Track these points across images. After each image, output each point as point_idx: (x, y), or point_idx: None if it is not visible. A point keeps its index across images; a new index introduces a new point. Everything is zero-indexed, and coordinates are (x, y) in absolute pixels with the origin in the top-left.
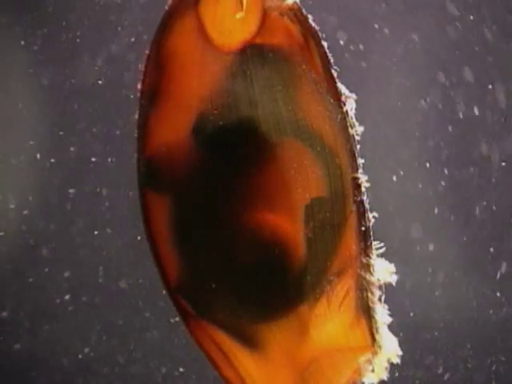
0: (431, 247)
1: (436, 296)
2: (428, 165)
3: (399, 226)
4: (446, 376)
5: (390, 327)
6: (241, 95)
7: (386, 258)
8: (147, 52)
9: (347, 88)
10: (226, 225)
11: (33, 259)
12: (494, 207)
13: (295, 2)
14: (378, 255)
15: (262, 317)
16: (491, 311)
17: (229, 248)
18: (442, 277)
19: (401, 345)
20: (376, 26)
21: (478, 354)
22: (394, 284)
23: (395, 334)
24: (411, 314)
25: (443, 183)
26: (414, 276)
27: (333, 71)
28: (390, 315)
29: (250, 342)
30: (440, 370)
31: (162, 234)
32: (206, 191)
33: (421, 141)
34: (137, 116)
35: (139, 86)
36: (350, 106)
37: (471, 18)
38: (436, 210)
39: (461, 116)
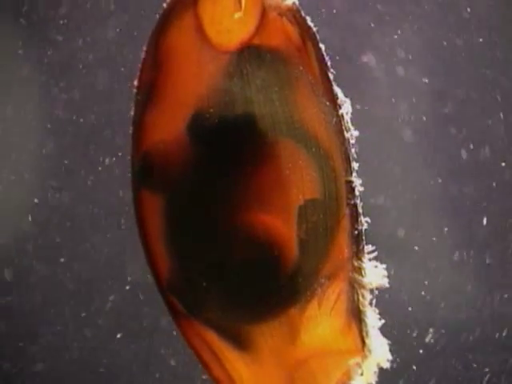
0: (430, 247)
1: (435, 295)
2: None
3: (396, 227)
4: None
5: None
6: (237, 94)
7: (381, 259)
8: (145, 49)
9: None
10: (219, 224)
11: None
12: (492, 207)
13: (294, 3)
14: (369, 259)
15: (253, 318)
16: (490, 309)
17: (221, 248)
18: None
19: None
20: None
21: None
22: (390, 285)
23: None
24: (410, 315)
25: (442, 182)
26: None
27: (329, 74)
28: (384, 316)
29: (240, 342)
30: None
31: (154, 232)
32: (200, 190)
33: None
34: (132, 113)
35: (135, 83)
36: (346, 110)
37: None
38: (435, 210)
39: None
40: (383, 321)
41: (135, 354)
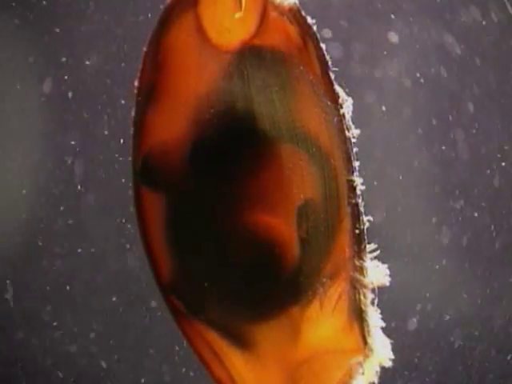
0: (430, 246)
1: (437, 295)
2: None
3: (398, 227)
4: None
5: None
6: (237, 95)
7: (385, 259)
8: (145, 49)
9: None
10: (221, 224)
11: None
12: (496, 209)
13: (295, 3)
14: (371, 258)
15: (254, 317)
16: (494, 312)
17: (222, 248)
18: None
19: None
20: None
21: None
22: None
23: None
24: (412, 314)
25: (442, 184)
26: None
27: (330, 73)
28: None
29: (241, 341)
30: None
31: (156, 232)
32: (201, 190)
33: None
34: (133, 113)
35: (136, 83)
36: (347, 109)
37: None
38: (435, 211)
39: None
40: (385, 319)
41: (135, 353)
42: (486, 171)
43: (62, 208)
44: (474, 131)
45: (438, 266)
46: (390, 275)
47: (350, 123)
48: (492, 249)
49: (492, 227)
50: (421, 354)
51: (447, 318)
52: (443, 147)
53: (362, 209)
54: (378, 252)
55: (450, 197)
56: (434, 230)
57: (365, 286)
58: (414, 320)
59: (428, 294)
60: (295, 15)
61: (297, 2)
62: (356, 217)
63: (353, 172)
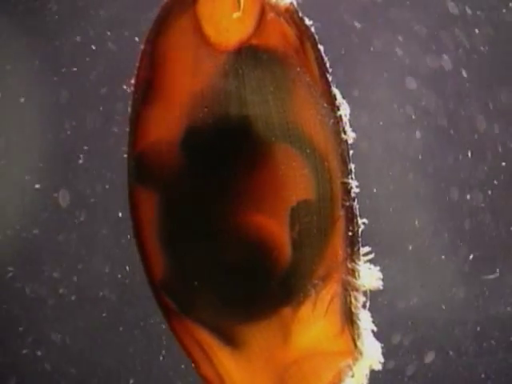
0: (428, 247)
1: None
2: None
3: (396, 226)
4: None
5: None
6: (232, 94)
7: (380, 258)
8: (142, 47)
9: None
10: (213, 224)
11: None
12: (492, 209)
13: (291, 4)
14: (364, 261)
15: (245, 317)
16: (489, 310)
17: (215, 247)
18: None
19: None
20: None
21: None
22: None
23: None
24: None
25: (441, 184)
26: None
27: (328, 75)
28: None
29: (231, 341)
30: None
31: (149, 230)
32: (194, 190)
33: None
34: (129, 110)
35: (133, 81)
36: (344, 112)
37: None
38: (434, 212)
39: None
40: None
41: (128, 352)
42: (487, 171)
43: (60, 207)
44: (476, 133)
45: (436, 267)
46: (383, 278)
47: (347, 126)
48: (491, 249)
49: (492, 227)
50: (415, 356)
51: (445, 318)
52: (442, 147)
53: (356, 211)
54: (372, 255)
55: (449, 197)
56: (432, 231)
57: (356, 289)
58: (409, 323)
59: (423, 295)
60: (292, 16)
61: (294, 2)
62: (350, 219)
63: (348, 174)
